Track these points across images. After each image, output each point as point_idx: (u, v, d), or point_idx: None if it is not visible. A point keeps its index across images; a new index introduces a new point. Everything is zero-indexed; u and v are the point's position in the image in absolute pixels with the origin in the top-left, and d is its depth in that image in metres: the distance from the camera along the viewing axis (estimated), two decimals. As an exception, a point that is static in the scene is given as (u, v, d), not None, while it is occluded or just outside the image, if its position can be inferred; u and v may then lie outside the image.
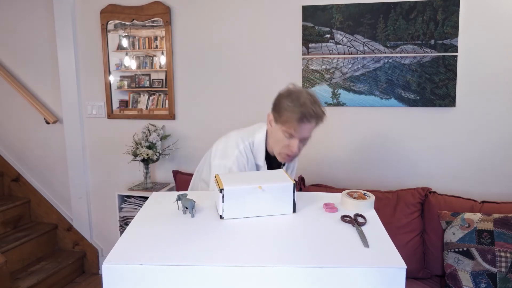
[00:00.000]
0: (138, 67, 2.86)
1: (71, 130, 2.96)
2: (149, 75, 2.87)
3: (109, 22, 2.79)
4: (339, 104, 2.45)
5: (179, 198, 1.18)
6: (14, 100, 3.10)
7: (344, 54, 2.40)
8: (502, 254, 1.90)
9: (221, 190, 1.10)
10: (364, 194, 1.23)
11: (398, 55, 2.33)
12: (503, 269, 1.88)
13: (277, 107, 1.51)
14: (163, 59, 2.75)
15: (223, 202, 1.10)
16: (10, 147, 3.23)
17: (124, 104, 2.92)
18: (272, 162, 1.65)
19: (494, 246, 1.92)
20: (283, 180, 1.17)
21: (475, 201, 2.16)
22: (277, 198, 1.14)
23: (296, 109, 1.44)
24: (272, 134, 1.56)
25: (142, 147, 2.62)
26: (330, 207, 1.18)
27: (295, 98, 1.47)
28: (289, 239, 1.02)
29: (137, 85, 2.89)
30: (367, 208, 1.18)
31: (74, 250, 3.11)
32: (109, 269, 0.89)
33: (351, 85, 2.42)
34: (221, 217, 1.12)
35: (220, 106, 2.67)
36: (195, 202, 1.15)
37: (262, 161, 1.60)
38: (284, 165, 1.70)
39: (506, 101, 2.25)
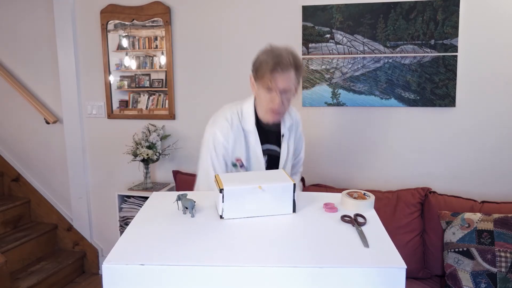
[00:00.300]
0: (138, 67, 2.86)
1: (71, 130, 2.96)
2: (149, 75, 2.87)
3: (109, 22, 2.79)
4: (339, 104, 2.45)
5: (179, 198, 1.18)
6: (14, 100, 3.10)
7: (344, 54, 2.40)
8: (502, 254, 1.90)
9: (221, 190, 1.10)
10: (364, 194, 1.23)
11: (398, 55, 2.33)
12: (503, 269, 1.88)
13: (255, 65, 1.52)
14: (163, 59, 2.75)
15: (223, 202, 1.10)
16: (10, 147, 3.23)
17: (124, 104, 2.91)
18: (268, 134, 1.63)
19: (494, 246, 1.92)
20: (283, 180, 1.17)
21: (475, 201, 2.16)
22: (277, 198, 1.14)
23: (269, 60, 1.44)
24: (257, 97, 1.56)
25: (142, 147, 2.62)
26: (330, 207, 1.18)
27: (270, 51, 1.48)
28: (289, 239, 1.02)
29: (137, 85, 2.89)
30: (367, 208, 1.18)
31: (74, 250, 3.11)
32: (109, 269, 0.89)
33: (351, 85, 2.42)
34: (221, 217, 1.11)
35: (220, 106, 2.65)
36: (195, 202, 1.15)
37: (251, 126, 1.58)
38: (283, 136, 1.66)
39: (506, 101, 2.25)
